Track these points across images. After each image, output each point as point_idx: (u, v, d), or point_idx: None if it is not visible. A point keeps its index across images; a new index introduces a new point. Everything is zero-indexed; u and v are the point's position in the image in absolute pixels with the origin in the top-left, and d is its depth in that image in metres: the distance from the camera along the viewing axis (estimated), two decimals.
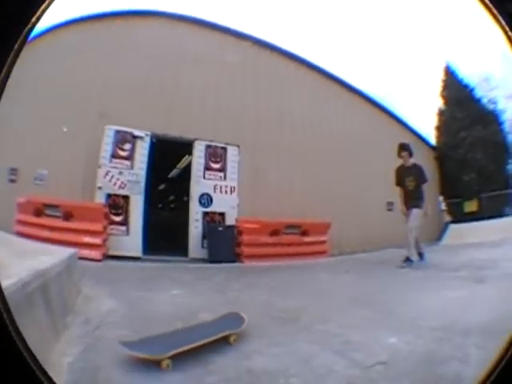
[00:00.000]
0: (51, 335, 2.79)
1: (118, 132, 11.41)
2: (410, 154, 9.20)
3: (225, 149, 12.79)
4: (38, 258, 3.35)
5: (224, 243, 11.36)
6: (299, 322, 3.98)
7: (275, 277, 8.34)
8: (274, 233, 12.00)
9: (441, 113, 19.52)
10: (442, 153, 18.71)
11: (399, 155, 9.21)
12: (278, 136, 14.17)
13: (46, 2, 1.27)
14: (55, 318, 3.02)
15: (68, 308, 3.65)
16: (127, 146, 11.39)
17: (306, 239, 12.46)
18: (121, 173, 11.11)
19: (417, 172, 9.11)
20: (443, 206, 17.71)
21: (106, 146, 11.26)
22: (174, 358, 2.79)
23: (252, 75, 14.40)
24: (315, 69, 15.90)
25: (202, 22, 13.93)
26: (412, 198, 9.01)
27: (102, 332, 3.42)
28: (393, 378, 2.59)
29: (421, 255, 8.95)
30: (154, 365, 2.73)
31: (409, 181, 9.07)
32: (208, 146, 12.58)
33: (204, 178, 12.44)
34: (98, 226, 9.71)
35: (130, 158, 11.36)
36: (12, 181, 11.86)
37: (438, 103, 19.67)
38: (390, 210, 15.47)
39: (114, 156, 11.23)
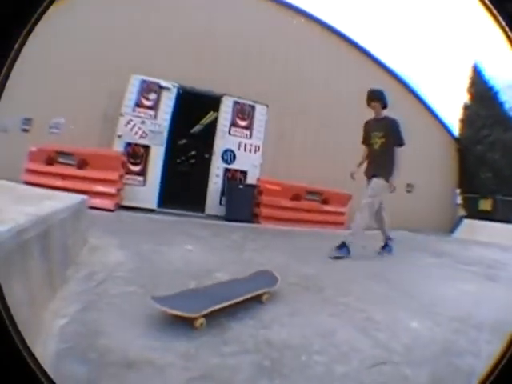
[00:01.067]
0: (45, 292, 2.51)
1: (143, 81, 11.20)
2: (384, 105, 7.06)
3: (253, 107, 12.60)
4: (41, 203, 3.08)
5: (243, 202, 11.25)
6: (320, 293, 3.81)
7: (292, 242, 8.24)
8: (295, 197, 11.92)
9: (466, 107, 19.78)
10: (464, 146, 18.79)
11: (369, 104, 7.12)
12: (306, 101, 14.00)
13: (46, 2, 1.27)
14: (53, 272, 2.74)
15: (70, 259, 3.39)
16: (152, 96, 11.21)
17: (326, 208, 12.43)
18: (143, 122, 10.96)
19: (389, 128, 6.90)
20: (459, 200, 18.11)
21: (130, 95, 11.08)
22: (208, 316, 2.59)
23: (285, 38, 14.13)
24: (353, 43, 15.87)
25: None
26: (375, 163, 6.98)
27: (106, 287, 3.13)
28: (415, 363, 2.39)
29: (385, 245, 7.32)
30: (186, 324, 2.51)
31: (376, 137, 7.00)
32: (236, 103, 12.35)
33: (229, 133, 12.27)
34: (113, 175, 9.57)
35: (154, 107, 11.16)
36: (25, 130, 11.82)
37: (465, 98, 20.03)
38: (408, 191, 15.72)
39: (138, 105, 11.08)
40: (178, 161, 22.05)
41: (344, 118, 14.43)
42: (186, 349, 2.26)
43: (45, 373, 1.23)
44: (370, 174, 6.96)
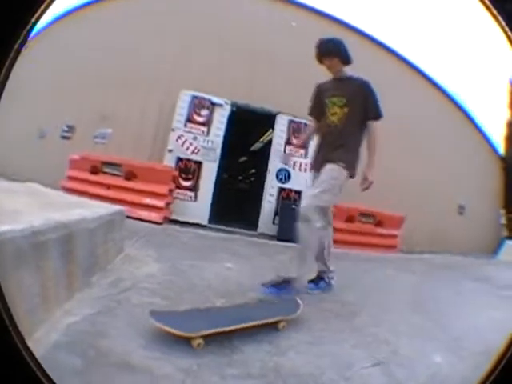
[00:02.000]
0: (61, 292, 2.62)
1: (194, 97, 11.29)
2: (344, 60, 4.53)
3: (308, 126, 12.40)
4: (70, 210, 3.18)
5: (296, 222, 11.00)
6: (351, 321, 3.64)
7: (341, 265, 7.86)
8: (349, 219, 11.58)
9: (510, 124, 19.03)
10: (509, 164, 17.85)
11: (321, 61, 4.60)
12: None
13: (46, 2, 1.28)
14: (74, 275, 2.85)
15: (98, 266, 3.48)
16: (204, 112, 11.24)
17: (380, 231, 11.97)
18: (195, 138, 11.01)
19: (358, 92, 4.48)
20: (503, 220, 17.25)
21: (181, 110, 11.18)
22: (211, 337, 2.49)
23: None
24: (401, 59, 15.50)
25: None
26: (331, 145, 4.56)
27: (128, 296, 3.16)
28: None
29: (321, 278, 4.83)
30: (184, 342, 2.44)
31: (335, 106, 4.53)
32: (292, 121, 12.19)
33: (284, 152, 12.07)
34: (162, 189, 9.62)
35: (206, 124, 11.21)
36: (65, 138, 12.17)
37: (507, 114, 19.31)
38: (460, 213, 15.24)
39: (190, 120, 11.13)
40: (240, 178, 22.23)
41: (394, 132, 14.07)
42: (189, 364, 2.23)
43: (45, 373, 1.23)
44: (322, 161, 4.59)
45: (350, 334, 3.24)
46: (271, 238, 11.09)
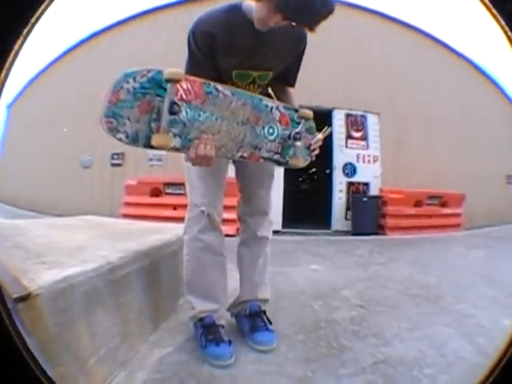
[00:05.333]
0: (146, 324, 2.51)
1: None
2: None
3: (365, 117, 12.34)
4: (146, 237, 3.08)
5: (368, 215, 11.05)
6: (438, 302, 3.72)
7: (416, 250, 8.04)
8: (417, 203, 11.58)
9: None
10: None
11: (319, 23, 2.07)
12: (414, 104, 13.46)
13: (46, 2, 1.27)
14: (160, 303, 2.76)
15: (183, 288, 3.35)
16: None
17: (445, 211, 11.98)
18: None
19: (296, 46, 2.44)
20: None
21: None
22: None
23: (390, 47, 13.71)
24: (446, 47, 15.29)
25: None
26: None
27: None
28: None
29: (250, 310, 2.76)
30: None
31: (260, 63, 2.32)
32: (348, 115, 12.17)
33: (346, 147, 12.09)
34: (232, 201, 9.35)
35: None
36: (116, 165, 12.28)
37: None
38: (509, 183, 14.93)
39: None
40: (300, 179, 22.13)
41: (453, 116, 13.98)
42: (303, 372, 2.18)
43: (45, 373, 1.23)
44: None
45: (440, 315, 3.34)
46: (345, 233, 11.12)
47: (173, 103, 1.81)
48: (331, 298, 3.71)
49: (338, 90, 12.31)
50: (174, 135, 1.89)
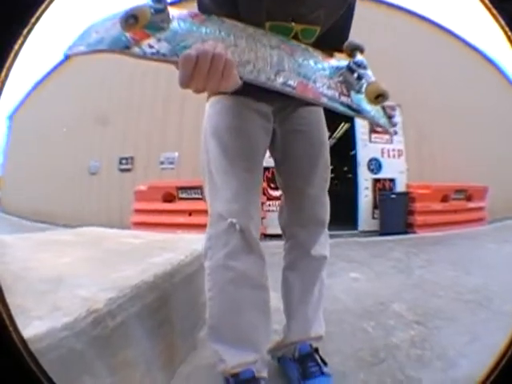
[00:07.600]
0: (157, 376, 1.86)
1: None
2: None
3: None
4: (154, 257, 2.37)
5: (397, 212, 10.61)
6: (490, 306, 3.55)
7: (450, 248, 7.79)
8: (444, 198, 11.24)
9: None
10: None
11: None
12: (434, 96, 13.17)
13: (46, 2, 1.18)
14: (174, 345, 2.13)
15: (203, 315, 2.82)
16: None
17: (470, 205, 11.87)
18: None
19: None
20: None
21: None
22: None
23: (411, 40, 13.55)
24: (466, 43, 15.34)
25: None
26: None
27: None
28: None
29: None
30: None
31: (298, 10, 1.55)
32: None
33: (370, 141, 11.70)
34: None
35: None
36: (125, 170, 11.94)
37: None
38: None
39: None
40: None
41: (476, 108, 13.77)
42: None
43: (45, 373, 1.12)
44: None
45: (493, 320, 3.17)
46: (373, 233, 10.64)
47: None
48: (383, 316, 3.31)
49: None
50: (159, 40, 1.23)
